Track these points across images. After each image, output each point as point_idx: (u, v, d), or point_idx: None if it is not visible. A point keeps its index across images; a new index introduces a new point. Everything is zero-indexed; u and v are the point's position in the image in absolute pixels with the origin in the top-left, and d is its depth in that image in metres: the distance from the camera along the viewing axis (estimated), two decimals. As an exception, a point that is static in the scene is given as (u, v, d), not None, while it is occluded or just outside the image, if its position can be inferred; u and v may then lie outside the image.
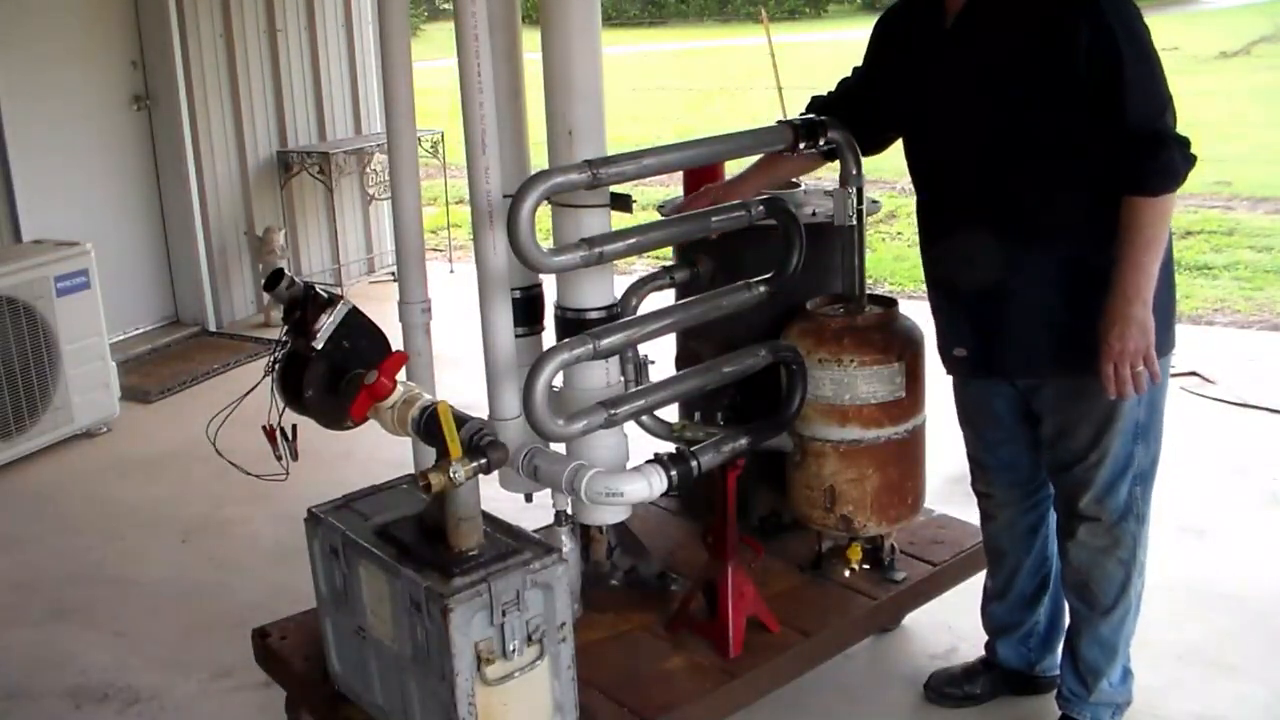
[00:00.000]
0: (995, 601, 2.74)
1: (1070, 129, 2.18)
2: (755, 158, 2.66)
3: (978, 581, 2.84)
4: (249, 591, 3.42)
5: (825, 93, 2.65)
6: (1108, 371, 2.19)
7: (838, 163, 2.56)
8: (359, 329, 2.21)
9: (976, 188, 2.32)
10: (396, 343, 2.33)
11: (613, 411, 2.24)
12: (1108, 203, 2.16)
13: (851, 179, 2.53)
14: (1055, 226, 2.25)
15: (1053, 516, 2.61)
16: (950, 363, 2.50)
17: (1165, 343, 2.28)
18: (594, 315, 2.49)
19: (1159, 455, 2.43)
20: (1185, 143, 2.14)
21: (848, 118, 2.53)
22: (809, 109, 2.62)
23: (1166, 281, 2.26)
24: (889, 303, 2.68)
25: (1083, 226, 2.23)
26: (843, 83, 2.63)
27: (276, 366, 2.23)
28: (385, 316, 2.38)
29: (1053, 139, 2.20)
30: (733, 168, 2.79)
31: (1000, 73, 2.24)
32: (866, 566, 2.77)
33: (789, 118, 2.54)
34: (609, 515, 2.58)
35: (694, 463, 2.32)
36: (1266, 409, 4.52)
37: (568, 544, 2.50)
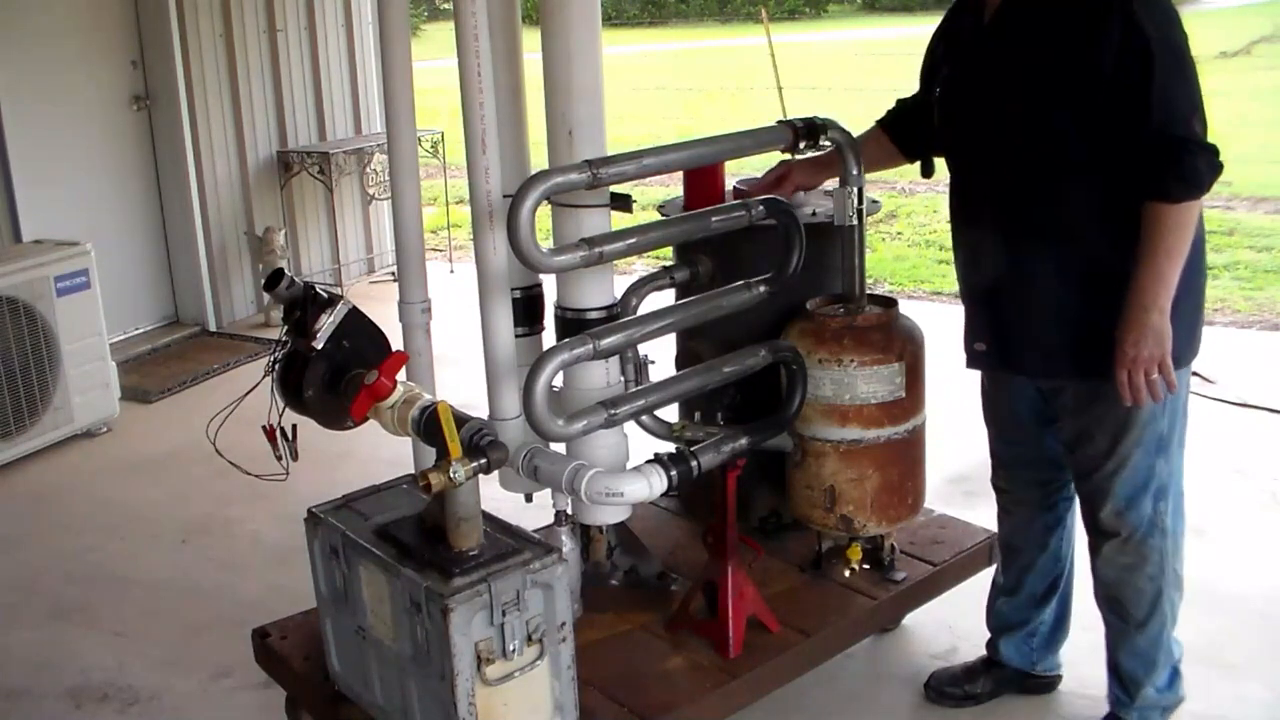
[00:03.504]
0: (1003, 598, 2.74)
1: (1095, 129, 2.15)
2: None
3: (978, 581, 2.84)
4: (249, 591, 3.42)
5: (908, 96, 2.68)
6: (1122, 378, 2.18)
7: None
8: (359, 329, 2.21)
9: (1001, 182, 2.32)
10: (396, 343, 2.33)
11: (613, 411, 2.24)
12: (1132, 206, 2.13)
13: (851, 179, 2.53)
14: (1077, 227, 2.23)
15: (1069, 519, 2.61)
16: (971, 355, 2.49)
17: (1188, 353, 2.26)
18: (594, 315, 2.50)
19: (1181, 468, 2.40)
20: (1212, 150, 2.09)
21: (918, 121, 2.55)
22: (888, 113, 2.69)
23: (1193, 291, 2.23)
24: (889, 303, 2.68)
25: (1105, 229, 2.21)
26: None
27: (276, 366, 2.23)
28: (385, 316, 2.38)
29: (1077, 138, 2.18)
30: (733, 168, 2.79)
31: (1030, 69, 2.22)
32: (866, 566, 2.77)
33: (789, 117, 2.54)
34: (609, 515, 2.58)
35: (694, 463, 2.32)
36: (1266, 409, 4.52)
37: (568, 544, 2.50)
